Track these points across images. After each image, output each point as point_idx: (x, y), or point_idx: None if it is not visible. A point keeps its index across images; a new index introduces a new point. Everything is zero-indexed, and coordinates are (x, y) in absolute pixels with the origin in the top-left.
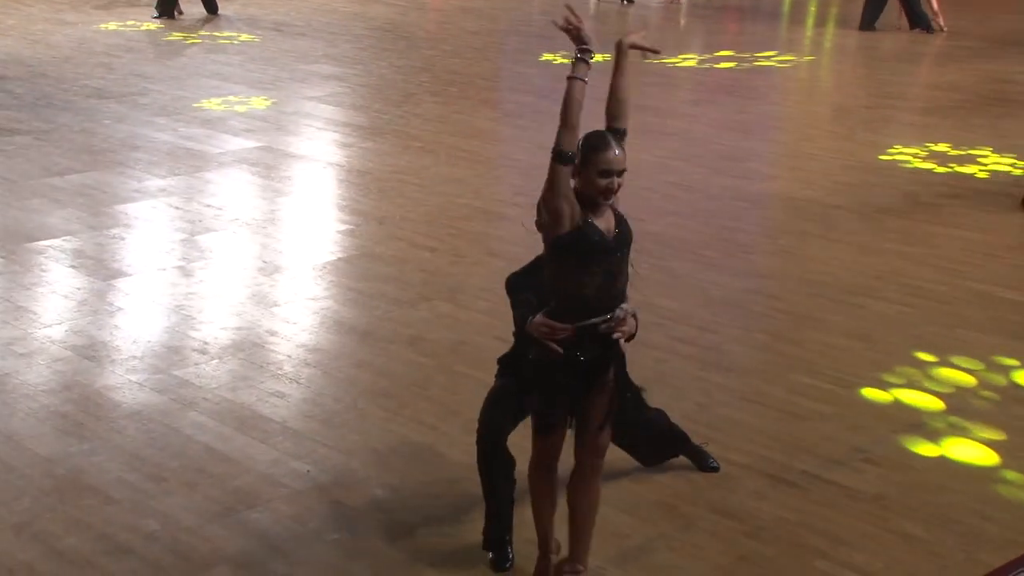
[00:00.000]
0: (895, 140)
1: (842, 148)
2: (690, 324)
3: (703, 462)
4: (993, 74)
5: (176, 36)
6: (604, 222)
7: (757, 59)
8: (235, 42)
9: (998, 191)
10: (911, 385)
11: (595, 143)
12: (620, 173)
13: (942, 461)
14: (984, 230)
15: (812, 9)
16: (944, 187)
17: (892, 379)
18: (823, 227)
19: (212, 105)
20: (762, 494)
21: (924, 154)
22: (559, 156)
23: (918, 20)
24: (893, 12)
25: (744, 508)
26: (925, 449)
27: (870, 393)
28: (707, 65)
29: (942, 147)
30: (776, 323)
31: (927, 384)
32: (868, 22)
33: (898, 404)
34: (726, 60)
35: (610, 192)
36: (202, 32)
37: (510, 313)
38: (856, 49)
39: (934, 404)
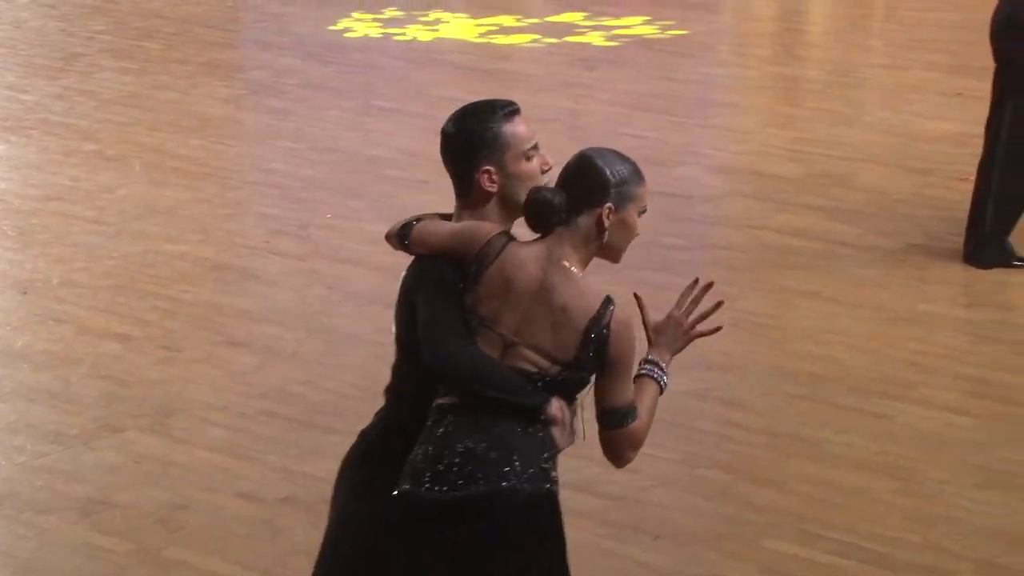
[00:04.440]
0: (935, 123)
1: (845, 138)
2: (591, 458)
3: None
4: None
5: None
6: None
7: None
8: None
9: None
10: (986, 561)
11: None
12: None
13: None
14: None
15: None
16: None
17: (947, 544)
18: (816, 277)
19: None
20: None
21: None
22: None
23: None
24: None
25: None
26: None
27: (912, 571)
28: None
29: None
30: (739, 450)
31: (1014, 555)
32: None
33: None
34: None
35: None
36: None
37: (269, 448)
38: None
39: None
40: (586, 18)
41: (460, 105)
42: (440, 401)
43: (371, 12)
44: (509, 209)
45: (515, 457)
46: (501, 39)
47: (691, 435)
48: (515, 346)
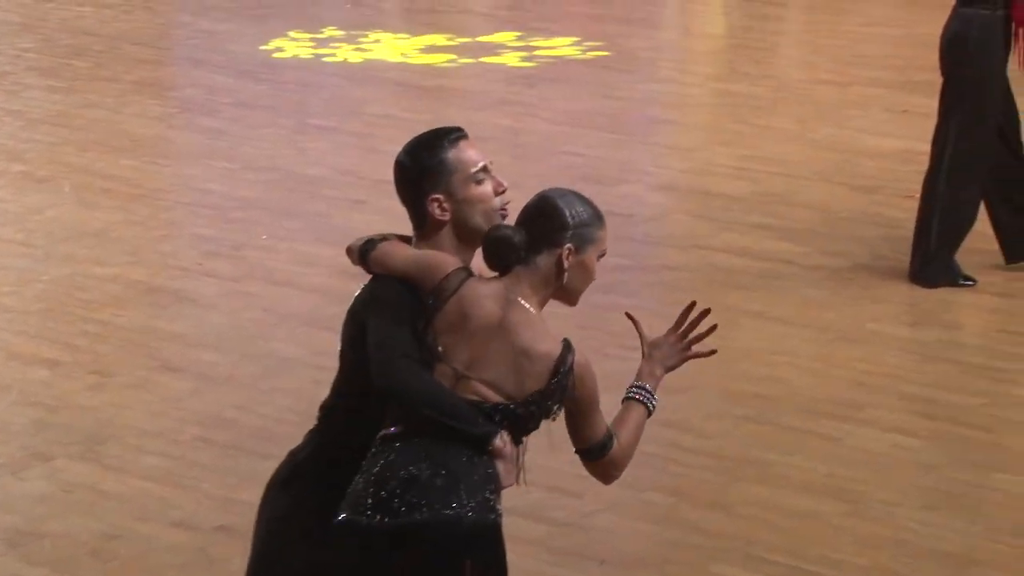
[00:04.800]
0: (880, 139)
1: (789, 155)
2: (535, 484)
3: None
4: None
5: None
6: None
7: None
8: None
9: None
10: None
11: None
12: None
13: None
14: None
15: None
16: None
17: (896, 567)
18: (762, 296)
19: None
20: None
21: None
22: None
23: None
24: None
25: None
26: None
27: None
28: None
29: None
30: (685, 473)
31: None
32: None
33: None
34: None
35: None
36: None
37: (204, 475)
38: None
39: None
40: (519, 38)
41: (396, 123)
42: (385, 431)
43: (308, 31)
44: (465, 237)
45: (461, 485)
46: (422, 58)
47: (636, 458)
48: (466, 379)
